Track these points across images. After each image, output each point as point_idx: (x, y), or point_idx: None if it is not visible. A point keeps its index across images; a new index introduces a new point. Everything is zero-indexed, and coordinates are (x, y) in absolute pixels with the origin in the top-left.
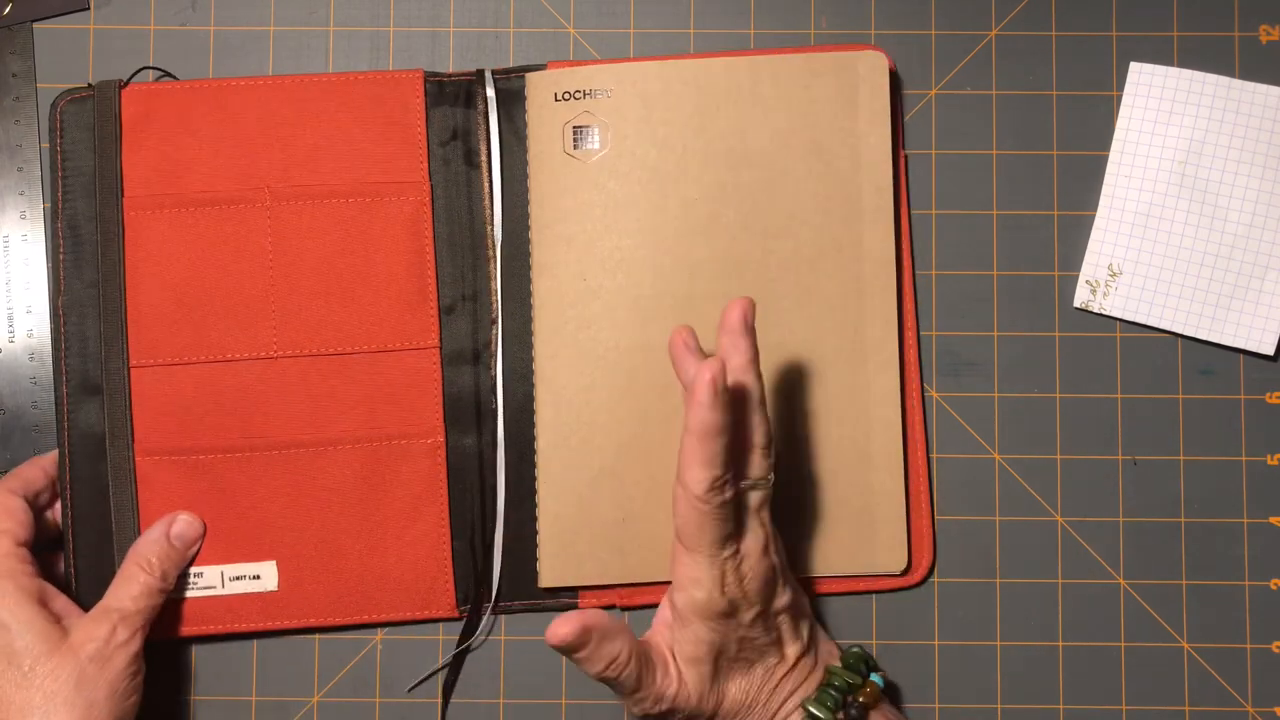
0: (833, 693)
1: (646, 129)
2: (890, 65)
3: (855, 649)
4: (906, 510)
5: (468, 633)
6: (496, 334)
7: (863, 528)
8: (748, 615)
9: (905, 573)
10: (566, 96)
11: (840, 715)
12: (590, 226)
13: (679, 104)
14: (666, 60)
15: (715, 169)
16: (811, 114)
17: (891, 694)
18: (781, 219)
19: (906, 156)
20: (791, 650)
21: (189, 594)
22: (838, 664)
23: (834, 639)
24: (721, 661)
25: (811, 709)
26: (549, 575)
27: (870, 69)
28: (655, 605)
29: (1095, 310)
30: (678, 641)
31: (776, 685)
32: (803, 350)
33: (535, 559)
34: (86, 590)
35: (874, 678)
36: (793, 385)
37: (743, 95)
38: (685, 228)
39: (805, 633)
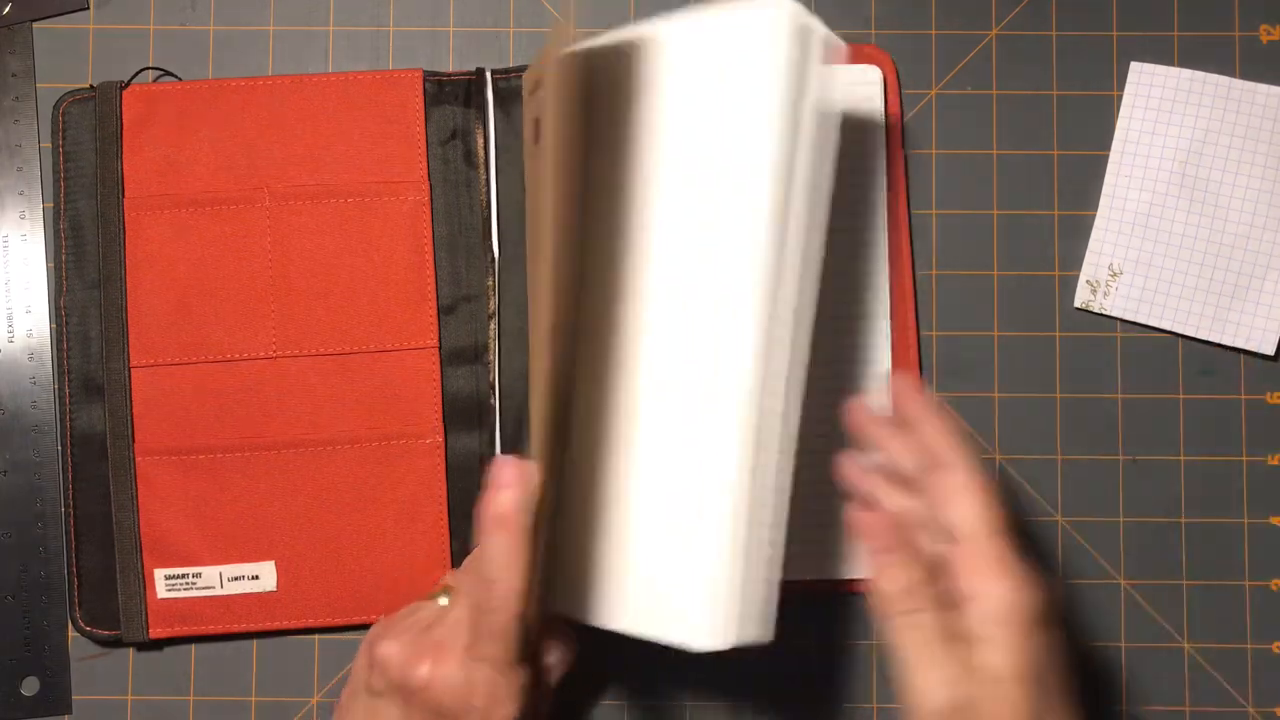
0: None
1: None
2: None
3: None
4: None
5: None
6: (495, 334)
7: None
8: None
9: None
10: None
11: None
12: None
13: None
14: None
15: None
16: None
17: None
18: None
19: (906, 156)
20: None
21: (188, 594)
22: None
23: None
24: None
25: None
26: None
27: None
28: None
29: (1095, 310)
30: None
31: None
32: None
33: None
34: (87, 590)
35: None
36: None
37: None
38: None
39: None
